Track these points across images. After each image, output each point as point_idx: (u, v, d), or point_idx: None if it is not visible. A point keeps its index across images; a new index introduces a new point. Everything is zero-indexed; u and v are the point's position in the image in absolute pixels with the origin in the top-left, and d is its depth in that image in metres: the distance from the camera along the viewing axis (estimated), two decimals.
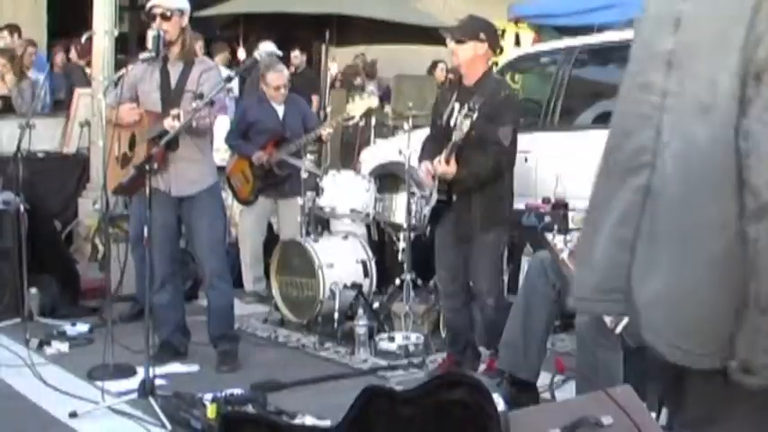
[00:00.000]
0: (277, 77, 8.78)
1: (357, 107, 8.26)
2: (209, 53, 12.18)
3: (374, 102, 8.44)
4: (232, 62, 13.29)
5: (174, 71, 6.45)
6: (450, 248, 6.37)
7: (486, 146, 6.06)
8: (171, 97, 6.37)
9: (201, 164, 6.55)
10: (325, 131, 8.51)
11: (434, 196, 6.28)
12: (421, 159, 7.63)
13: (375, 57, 15.00)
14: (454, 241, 6.33)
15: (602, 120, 8.27)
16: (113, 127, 6.46)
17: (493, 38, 6.33)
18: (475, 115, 5.90)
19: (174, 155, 6.34)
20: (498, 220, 6.24)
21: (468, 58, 6.21)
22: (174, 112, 6.00)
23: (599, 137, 7.87)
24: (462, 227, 6.22)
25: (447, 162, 6.00)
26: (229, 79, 6.23)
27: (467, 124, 5.91)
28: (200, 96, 6.04)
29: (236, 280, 9.01)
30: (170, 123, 5.98)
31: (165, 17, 6.32)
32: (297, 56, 13.49)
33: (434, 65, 14.58)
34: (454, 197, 6.19)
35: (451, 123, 6.15)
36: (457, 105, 6.18)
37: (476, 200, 6.15)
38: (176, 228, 6.70)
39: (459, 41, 6.21)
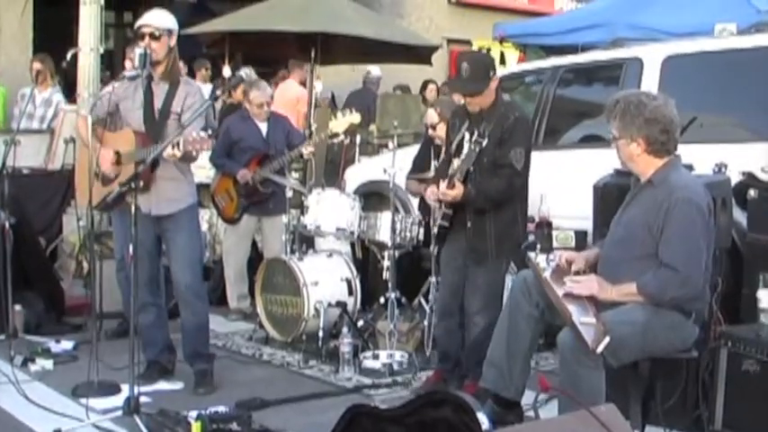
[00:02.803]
0: (260, 95, 8.82)
1: (340, 124, 8.28)
2: (191, 70, 12.23)
3: (356, 118, 8.47)
4: (214, 79, 13.32)
5: (159, 91, 6.44)
6: (456, 270, 6.40)
7: (499, 170, 6.10)
8: (155, 117, 6.36)
9: (181, 183, 6.51)
10: (307, 150, 8.55)
11: (438, 221, 6.33)
12: (409, 177, 7.65)
13: (361, 75, 15.03)
14: (461, 263, 6.35)
15: (587, 139, 8.31)
16: (92, 142, 6.42)
17: (494, 64, 6.40)
18: (485, 142, 5.97)
19: (154, 174, 6.31)
20: (512, 245, 6.29)
21: (485, 99, 6.25)
22: (174, 141, 5.97)
23: (583, 156, 7.91)
24: (477, 252, 6.24)
25: (451, 187, 6.04)
26: (216, 98, 6.23)
27: (476, 151, 5.97)
28: (206, 129, 6.04)
29: (220, 297, 9.05)
30: (170, 152, 5.93)
31: (154, 37, 6.31)
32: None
33: (425, 85, 14.59)
34: (468, 223, 6.22)
35: (462, 150, 6.19)
36: (467, 134, 6.22)
37: (490, 225, 6.18)
38: (155, 247, 6.64)
39: (475, 95, 6.23)
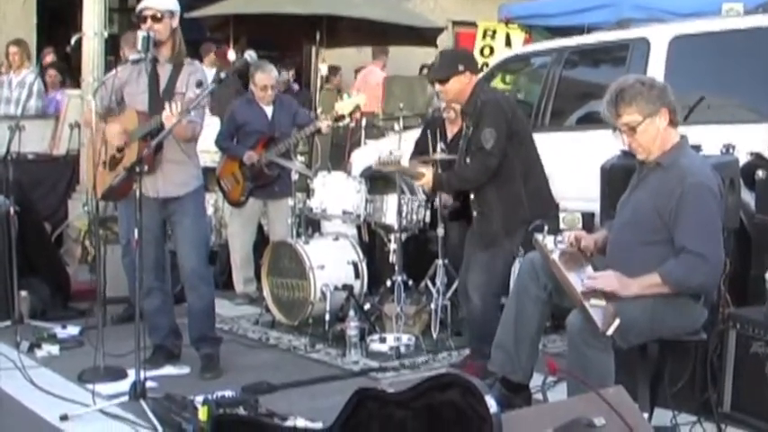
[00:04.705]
0: (265, 78, 8.73)
1: (345, 105, 8.22)
2: (198, 55, 12.18)
3: (362, 99, 8.41)
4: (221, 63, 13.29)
5: (164, 73, 6.41)
6: (471, 253, 6.50)
7: (476, 153, 6.29)
8: (160, 99, 6.32)
9: (188, 166, 6.50)
10: (325, 123, 8.43)
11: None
12: (412, 159, 7.69)
13: (366, 57, 15.00)
14: (476, 246, 6.45)
15: (594, 121, 8.26)
16: (100, 131, 6.42)
17: (470, 62, 6.54)
18: (469, 131, 6.31)
19: (160, 157, 6.30)
20: (519, 223, 6.38)
21: (454, 92, 6.45)
22: (172, 105, 5.95)
23: (590, 137, 7.88)
24: (486, 236, 6.37)
25: (420, 176, 6.55)
26: (221, 81, 6.17)
27: (464, 146, 6.35)
28: (200, 84, 6.03)
29: (226, 281, 9.03)
30: (167, 115, 5.92)
31: (155, 19, 6.29)
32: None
33: (428, 68, 14.54)
34: (474, 212, 6.43)
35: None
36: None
37: (497, 208, 6.33)
38: (161, 232, 6.65)
39: (441, 81, 6.44)
